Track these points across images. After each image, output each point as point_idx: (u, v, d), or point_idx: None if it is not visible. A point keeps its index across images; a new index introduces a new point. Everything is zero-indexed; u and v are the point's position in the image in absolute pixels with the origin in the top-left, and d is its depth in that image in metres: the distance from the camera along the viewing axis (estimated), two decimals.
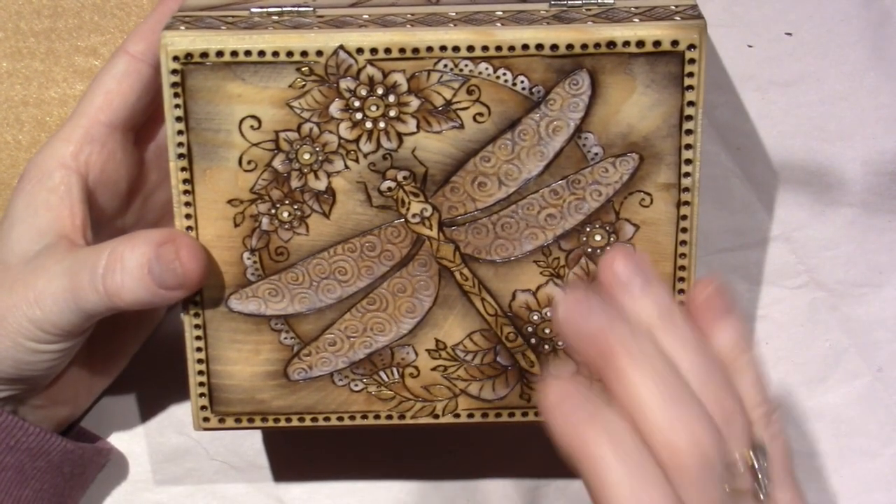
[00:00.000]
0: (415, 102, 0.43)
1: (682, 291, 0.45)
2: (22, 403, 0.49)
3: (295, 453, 0.55)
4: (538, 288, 0.46)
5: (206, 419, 0.47)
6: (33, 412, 0.49)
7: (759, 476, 0.37)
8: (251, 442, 0.55)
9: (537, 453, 0.55)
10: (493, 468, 0.55)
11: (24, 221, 0.47)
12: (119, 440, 0.55)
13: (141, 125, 0.49)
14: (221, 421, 0.47)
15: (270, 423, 0.47)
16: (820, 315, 0.55)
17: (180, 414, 0.55)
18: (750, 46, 0.56)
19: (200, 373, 0.46)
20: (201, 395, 0.46)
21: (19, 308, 0.45)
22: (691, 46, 0.42)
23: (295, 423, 0.47)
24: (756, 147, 0.56)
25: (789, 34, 0.56)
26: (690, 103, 0.43)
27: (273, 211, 0.45)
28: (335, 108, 0.43)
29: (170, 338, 0.53)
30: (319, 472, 0.55)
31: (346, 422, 0.47)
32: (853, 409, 0.55)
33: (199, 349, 0.46)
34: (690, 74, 0.43)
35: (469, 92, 0.43)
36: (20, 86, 0.55)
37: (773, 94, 0.56)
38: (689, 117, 0.43)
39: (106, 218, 0.49)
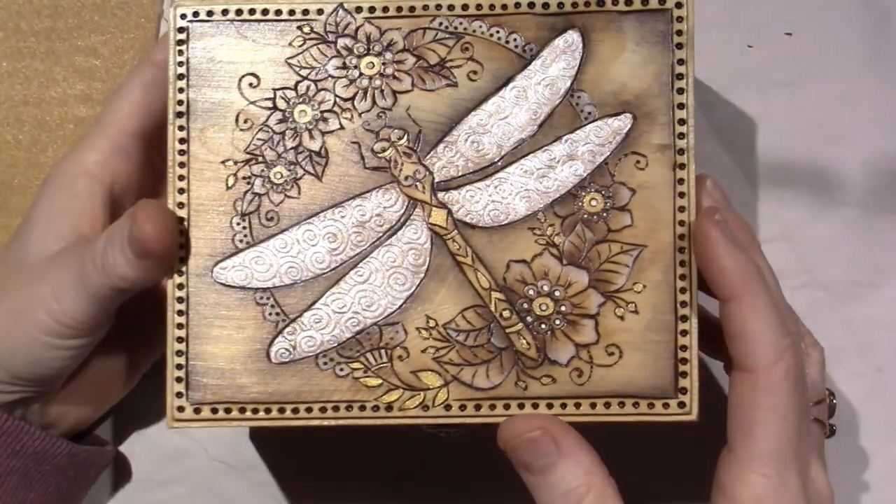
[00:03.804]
0: (410, 60, 0.44)
1: (682, 264, 0.44)
2: (29, 409, 0.49)
3: (295, 453, 0.55)
4: (533, 258, 0.44)
5: (180, 408, 0.44)
6: (41, 419, 0.49)
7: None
8: (251, 442, 0.55)
9: None
10: (493, 468, 0.55)
11: (44, 224, 0.47)
12: (120, 440, 0.55)
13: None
14: (197, 411, 0.44)
15: (248, 415, 0.44)
16: (820, 315, 0.55)
17: None
18: (750, 46, 0.56)
19: (179, 353, 0.44)
20: (178, 379, 0.44)
21: (37, 302, 0.45)
22: (679, 4, 0.43)
23: (275, 414, 0.44)
24: (756, 147, 0.56)
25: (789, 34, 0.56)
26: (681, 61, 0.44)
27: (266, 172, 0.45)
28: (332, 67, 0.44)
29: None
30: (319, 473, 0.55)
31: (329, 413, 0.44)
32: (853, 409, 0.55)
33: (179, 325, 0.44)
34: (679, 32, 0.43)
35: (463, 49, 0.44)
36: (20, 86, 0.55)
37: (773, 94, 0.56)
38: (681, 76, 0.44)
39: None
